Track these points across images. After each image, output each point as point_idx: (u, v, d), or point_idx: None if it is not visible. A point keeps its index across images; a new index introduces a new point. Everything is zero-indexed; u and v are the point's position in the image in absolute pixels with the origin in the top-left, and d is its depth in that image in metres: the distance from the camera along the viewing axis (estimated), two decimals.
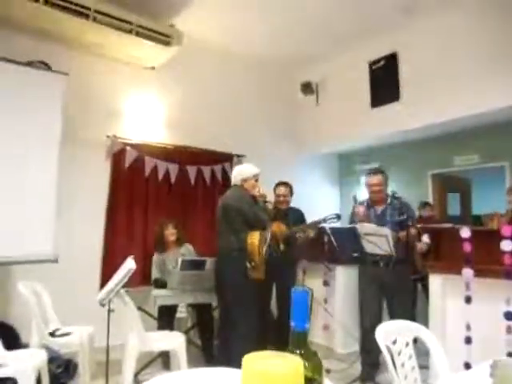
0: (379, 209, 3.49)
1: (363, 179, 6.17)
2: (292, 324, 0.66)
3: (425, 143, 5.44)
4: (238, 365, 0.65)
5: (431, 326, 2.96)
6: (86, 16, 3.76)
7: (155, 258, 4.10)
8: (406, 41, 4.83)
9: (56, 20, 3.70)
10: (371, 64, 5.20)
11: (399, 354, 1.80)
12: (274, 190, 4.27)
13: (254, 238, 3.19)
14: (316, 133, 5.91)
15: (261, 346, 0.71)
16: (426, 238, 3.05)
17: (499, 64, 4.01)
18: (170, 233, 4.10)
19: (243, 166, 3.69)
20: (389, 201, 3.47)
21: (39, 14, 3.60)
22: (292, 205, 4.33)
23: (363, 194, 6.04)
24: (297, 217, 4.25)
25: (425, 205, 5.02)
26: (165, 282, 3.86)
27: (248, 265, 3.14)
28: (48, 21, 3.72)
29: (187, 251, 4.15)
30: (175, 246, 4.13)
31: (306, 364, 0.65)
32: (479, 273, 2.63)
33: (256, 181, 3.46)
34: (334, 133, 5.69)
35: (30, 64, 3.66)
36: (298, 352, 0.65)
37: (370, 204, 3.56)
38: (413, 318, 3.73)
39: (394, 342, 1.81)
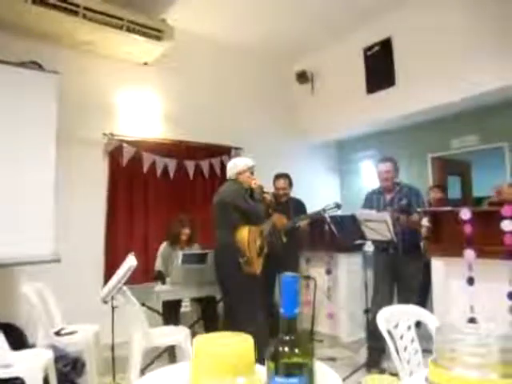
0: (388, 196, 3.53)
1: (363, 166, 6.22)
2: (281, 310, 0.66)
3: (423, 127, 5.41)
4: None
5: (435, 308, 2.96)
6: (76, 13, 3.74)
7: (163, 247, 4.09)
8: (400, 25, 4.78)
9: (45, 19, 3.68)
10: (366, 50, 5.16)
11: (401, 337, 1.80)
12: (274, 182, 4.26)
13: (243, 234, 3.19)
14: (313, 122, 5.88)
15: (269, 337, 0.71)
16: (425, 222, 3.05)
17: (494, 45, 3.97)
18: (185, 233, 4.09)
19: (237, 160, 3.64)
20: (398, 188, 3.50)
21: (28, 13, 3.58)
22: (292, 195, 4.32)
23: (362, 182, 6.07)
24: (297, 207, 4.25)
25: (434, 187, 4.90)
26: (165, 275, 3.87)
27: (240, 260, 3.14)
28: (37, 20, 3.70)
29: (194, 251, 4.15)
30: (186, 244, 4.13)
31: (296, 350, 0.64)
32: (481, 254, 2.61)
33: (251, 173, 3.44)
34: (330, 121, 5.66)
35: (22, 64, 3.63)
36: (287, 338, 0.65)
37: (381, 191, 3.61)
38: (424, 303, 3.76)
39: (396, 327, 1.81)
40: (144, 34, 4.14)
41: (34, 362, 2.45)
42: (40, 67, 3.77)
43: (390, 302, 3.36)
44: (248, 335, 0.49)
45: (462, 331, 0.65)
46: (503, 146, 4.81)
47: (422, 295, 3.82)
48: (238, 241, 3.19)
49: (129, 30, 4.03)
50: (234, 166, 3.45)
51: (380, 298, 3.39)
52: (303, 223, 4.09)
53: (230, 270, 3.22)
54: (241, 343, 0.51)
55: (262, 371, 0.69)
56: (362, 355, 3.60)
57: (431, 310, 2.55)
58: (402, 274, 3.37)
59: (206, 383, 0.47)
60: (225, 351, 0.48)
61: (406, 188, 3.53)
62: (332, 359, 3.64)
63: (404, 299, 3.23)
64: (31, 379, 2.36)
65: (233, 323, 3.29)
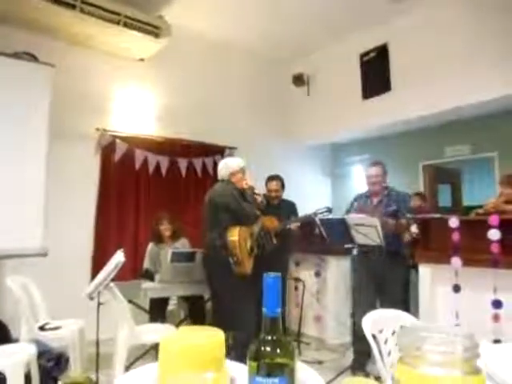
0: (375, 200, 3.53)
1: (355, 170, 6.25)
2: (264, 309, 0.66)
3: (416, 134, 5.45)
4: (236, 355, 0.64)
5: (421, 314, 2.99)
6: (73, 6, 3.72)
7: (150, 247, 4.08)
8: (397, 32, 4.82)
9: (42, 10, 3.66)
10: (362, 55, 5.19)
11: (386, 342, 1.81)
12: (266, 184, 4.26)
13: (234, 234, 3.18)
14: (308, 124, 5.90)
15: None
16: (414, 228, 3.07)
17: (489, 55, 4.02)
18: (165, 228, 4.08)
19: (229, 160, 3.61)
20: (386, 192, 3.50)
21: (25, 5, 3.56)
22: (284, 197, 4.33)
23: (354, 186, 6.09)
24: (289, 209, 4.26)
25: (415, 195, 5.01)
26: (153, 274, 3.86)
27: (231, 260, 3.14)
28: (34, 11, 3.67)
29: (182, 245, 4.14)
30: (171, 240, 4.12)
31: (278, 350, 0.64)
32: (468, 262, 2.64)
33: (243, 174, 3.44)
34: (325, 124, 5.68)
35: (15, 55, 3.60)
36: (270, 338, 0.65)
37: (368, 195, 3.60)
38: (406, 307, 3.78)
39: (381, 331, 1.82)
40: (141, 30, 4.12)
41: (15, 357, 2.41)
42: (35, 59, 3.73)
43: (373, 306, 3.36)
44: (220, 331, 0.49)
45: (427, 330, 0.67)
46: (493, 155, 4.86)
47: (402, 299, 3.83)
48: (229, 241, 3.18)
49: (126, 25, 4.02)
50: (227, 166, 3.43)
51: (363, 302, 3.38)
52: (294, 226, 4.10)
53: (219, 271, 3.21)
54: (209, 337, 0.50)
55: (232, 368, 0.69)
56: (348, 358, 3.61)
57: (416, 316, 2.57)
58: (385, 279, 3.35)
59: (173, 379, 0.47)
60: (192, 345, 0.48)
61: (394, 192, 3.51)
62: (318, 362, 3.65)
63: (387, 304, 3.23)
64: (12, 374, 2.32)
65: (222, 323, 3.28)
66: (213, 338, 0.50)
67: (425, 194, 5.24)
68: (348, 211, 3.63)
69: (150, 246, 4.10)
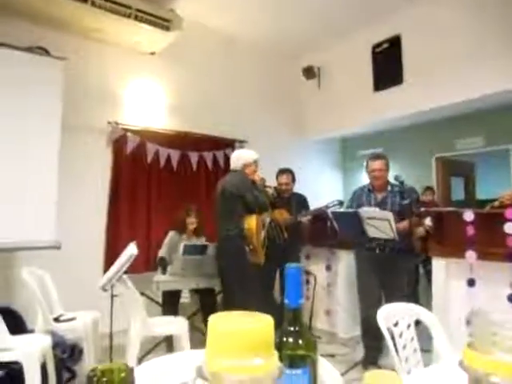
0: (380, 196, 3.42)
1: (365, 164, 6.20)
2: (286, 301, 0.65)
3: (428, 127, 5.38)
4: None
5: (434, 309, 2.95)
6: (85, 0, 3.71)
7: (171, 235, 4.09)
8: (409, 23, 4.74)
9: (54, 5, 3.66)
10: (374, 47, 5.13)
11: (401, 336, 1.79)
12: (277, 177, 4.24)
13: (251, 222, 3.19)
14: (318, 117, 5.86)
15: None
16: (428, 221, 3.03)
17: (502, 46, 3.94)
18: (191, 221, 4.09)
19: (243, 151, 3.65)
20: (389, 188, 3.41)
21: None
22: (295, 190, 4.31)
23: (364, 179, 6.05)
24: (300, 203, 4.24)
25: (426, 189, 4.98)
26: (167, 263, 3.87)
27: (247, 248, 3.15)
28: (46, 6, 3.67)
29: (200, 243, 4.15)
30: (193, 234, 4.14)
31: (300, 341, 0.64)
32: (483, 256, 2.61)
33: (256, 166, 3.44)
34: (336, 117, 5.64)
35: (28, 49, 3.62)
36: (292, 329, 0.64)
37: (371, 190, 3.50)
38: (414, 301, 3.74)
39: (396, 325, 1.80)
40: (152, 24, 4.11)
41: (32, 347, 2.45)
42: (47, 53, 3.75)
43: (378, 301, 3.32)
44: (270, 316, 0.48)
45: (502, 316, 0.64)
46: (508, 148, 4.78)
47: (409, 295, 3.78)
48: (247, 228, 3.19)
49: (137, 18, 4.01)
50: (241, 157, 3.45)
51: (369, 296, 3.34)
52: (305, 219, 4.09)
53: (233, 259, 3.22)
54: (259, 322, 0.49)
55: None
56: (360, 352, 3.59)
57: (429, 310, 2.55)
58: (389, 273, 3.29)
59: (220, 363, 0.46)
60: (241, 329, 0.47)
61: (397, 187, 3.34)
62: (330, 355, 3.65)
63: (391, 298, 3.18)
64: (29, 364, 2.37)
65: (231, 308, 3.29)
66: (262, 322, 0.49)
67: (432, 187, 5.18)
68: (350, 206, 3.55)
69: (172, 233, 4.10)
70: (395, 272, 3.29)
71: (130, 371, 0.53)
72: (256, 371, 0.46)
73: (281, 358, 0.62)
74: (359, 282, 3.50)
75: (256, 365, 0.46)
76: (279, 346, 0.63)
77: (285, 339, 0.64)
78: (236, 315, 0.53)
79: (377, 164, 3.40)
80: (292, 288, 0.64)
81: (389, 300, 3.15)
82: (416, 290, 4.05)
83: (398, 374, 0.69)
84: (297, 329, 0.64)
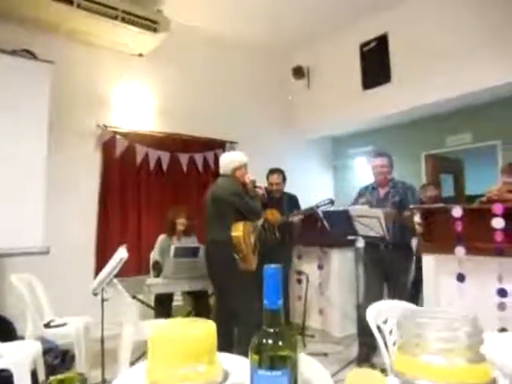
0: (382, 192, 3.50)
1: (357, 162, 6.23)
2: (265, 302, 0.65)
3: (417, 124, 5.41)
4: (243, 350, 0.63)
5: (425, 305, 2.98)
6: (71, 2, 3.69)
7: (162, 237, 4.08)
8: (397, 21, 4.77)
9: (40, 7, 3.64)
10: (362, 46, 5.14)
11: (390, 333, 1.80)
12: (267, 177, 4.24)
13: (238, 230, 3.15)
14: (308, 117, 5.87)
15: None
16: (417, 218, 3.05)
17: (490, 43, 3.98)
18: (181, 222, 4.08)
19: (232, 155, 3.56)
20: (391, 184, 3.48)
21: (22, 1, 3.53)
22: (286, 190, 4.32)
23: (355, 178, 6.07)
24: (291, 202, 4.25)
25: (429, 185, 4.86)
26: (161, 266, 3.86)
27: (236, 256, 3.11)
28: (32, 8, 3.65)
29: (192, 242, 4.13)
30: (183, 234, 4.13)
31: (280, 342, 0.63)
32: (471, 251, 2.63)
33: (245, 168, 3.42)
34: (326, 116, 5.65)
35: (14, 53, 3.59)
36: (271, 330, 0.64)
37: (375, 186, 3.58)
38: (416, 299, 3.78)
39: (385, 322, 1.81)
40: (139, 25, 4.09)
41: (22, 354, 2.42)
42: (33, 56, 3.72)
43: (380, 298, 3.36)
44: (212, 322, 0.48)
45: (429, 315, 0.64)
46: (496, 144, 4.82)
47: (413, 292, 3.83)
48: (234, 237, 3.15)
49: (124, 20, 3.99)
50: (232, 161, 3.37)
51: (371, 293, 3.39)
52: (296, 218, 4.09)
53: (223, 267, 3.19)
54: (200, 328, 0.49)
55: (229, 361, 0.68)
56: (353, 350, 3.61)
57: (422, 306, 2.57)
58: (392, 270, 3.36)
59: (163, 371, 0.45)
60: (183, 336, 0.46)
61: (401, 184, 3.49)
62: (324, 354, 3.66)
63: (394, 295, 3.24)
64: (19, 371, 2.33)
65: (226, 319, 3.28)
66: (204, 329, 0.49)
67: (433, 183, 5.12)
68: (354, 204, 3.61)
69: (162, 237, 4.10)
70: (398, 268, 3.37)
71: (84, 380, 0.52)
72: (198, 378, 0.45)
73: (260, 360, 0.62)
74: (365, 278, 3.55)
75: (198, 372, 0.45)
76: (258, 348, 0.62)
77: (264, 341, 0.63)
78: (179, 322, 0.52)
79: (378, 161, 3.51)
80: (271, 289, 0.63)
81: (391, 297, 3.21)
82: (418, 288, 4.06)
83: (386, 374, 0.68)
84: (276, 330, 0.64)
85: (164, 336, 0.48)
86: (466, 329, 0.58)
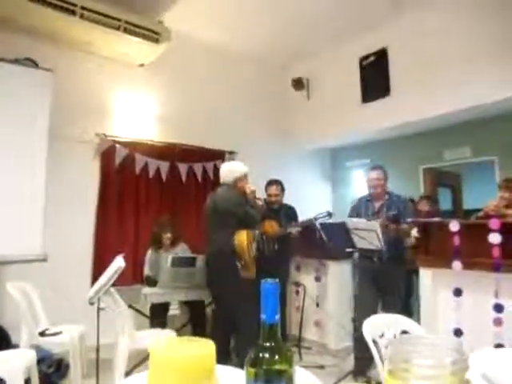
0: (377, 205, 3.52)
1: (355, 174, 6.25)
2: (262, 316, 0.65)
3: (416, 138, 5.45)
4: (241, 362, 0.63)
5: (423, 319, 2.97)
6: (73, 12, 3.73)
7: (149, 254, 4.08)
8: (396, 36, 4.83)
9: (42, 16, 3.67)
10: (362, 59, 5.20)
11: (387, 347, 1.80)
12: (266, 188, 4.26)
13: (242, 237, 3.18)
14: (307, 128, 5.90)
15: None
16: (415, 232, 3.06)
17: (489, 58, 4.02)
18: (167, 237, 4.07)
19: (233, 165, 3.58)
20: (387, 197, 3.50)
21: (25, 10, 3.56)
22: (284, 201, 4.33)
23: (353, 190, 6.09)
24: (289, 214, 4.26)
25: (423, 199, 4.85)
26: (155, 280, 3.85)
27: (238, 264, 3.13)
28: (34, 17, 3.68)
29: (182, 250, 4.13)
30: (171, 246, 4.12)
31: (277, 356, 0.64)
32: (468, 265, 2.63)
33: (246, 179, 3.45)
34: (325, 128, 5.68)
35: (16, 61, 3.61)
36: (268, 344, 0.65)
37: (369, 199, 3.59)
38: (408, 311, 3.78)
39: (382, 336, 1.81)
40: (141, 36, 4.13)
41: (15, 363, 2.41)
42: (34, 64, 3.75)
43: (374, 311, 3.35)
44: (211, 342, 0.48)
45: (416, 342, 0.66)
46: (493, 159, 4.85)
47: (404, 304, 3.83)
48: (237, 244, 3.17)
49: (125, 30, 4.03)
50: (233, 170, 3.40)
51: (364, 306, 3.38)
52: (294, 230, 4.10)
53: (226, 276, 3.20)
54: (200, 348, 0.50)
55: (227, 374, 0.68)
56: (350, 363, 3.59)
57: (417, 320, 2.56)
58: (386, 283, 3.36)
59: None
60: (182, 357, 0.47)
61: (396, 197, 3.52)
62: (320, 367, 3.64)
63: (388, 308, 3.24)
64: (13, 380, 2.32)
65: (225, 328, 3.27)
66: (203, 349, 0.49)
67: (431, 196, 5.09)
68: (350, 217, 3.63)
69: (149, 252, 4.10)
70: (392, 281, 3.37)
71: None
72: None
73: (256, 374, 0.63)
74: (356, 291, 3.55)
75: None
76: (254, 362, 0.63)
77: (260, 355, 0.64)
78: (177, 341, 0.53)
79: (374, 173, 3.55)
80: (268, 303, 0.64)
81: (386, 310, 3.21)
82: (408, 302, 4.07)
83: None
84: (273, 344, 0.65)
85: (163, 358, 0.48)
86: (451, 356, 0.61)
